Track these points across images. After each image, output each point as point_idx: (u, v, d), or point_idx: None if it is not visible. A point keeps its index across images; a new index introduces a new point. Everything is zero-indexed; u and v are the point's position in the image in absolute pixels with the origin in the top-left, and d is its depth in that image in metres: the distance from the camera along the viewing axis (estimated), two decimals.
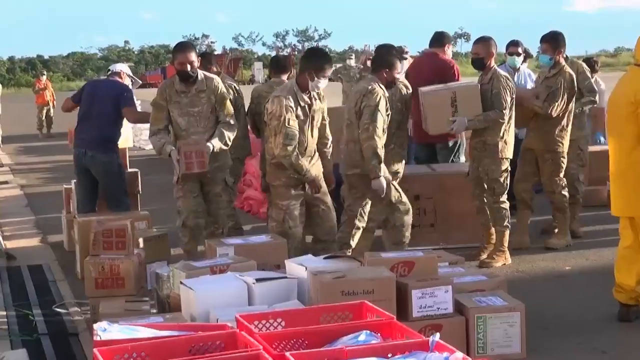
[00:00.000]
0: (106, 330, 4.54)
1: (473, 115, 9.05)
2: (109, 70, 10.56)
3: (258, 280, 5.64)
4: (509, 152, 9.22)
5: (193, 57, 8.56)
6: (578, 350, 6.58)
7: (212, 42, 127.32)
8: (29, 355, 6.52)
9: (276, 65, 10.80)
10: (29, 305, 8.27)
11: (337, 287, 5.75)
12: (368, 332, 4.29)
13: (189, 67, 8.50)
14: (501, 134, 9.10)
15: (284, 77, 10.45)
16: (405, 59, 12.90)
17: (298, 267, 6.06)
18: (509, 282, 7.05)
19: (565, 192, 9.92)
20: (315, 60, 8.14)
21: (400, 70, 12.57)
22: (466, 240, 9.79)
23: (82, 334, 7.31)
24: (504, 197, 9.24)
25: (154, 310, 6.77)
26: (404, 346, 4.03)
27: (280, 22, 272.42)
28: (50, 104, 29.15)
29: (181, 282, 5.89)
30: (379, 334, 4.32)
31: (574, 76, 9.85)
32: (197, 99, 8.58)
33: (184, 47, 8.70)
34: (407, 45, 13.52)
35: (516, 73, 11.64)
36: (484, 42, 9.35)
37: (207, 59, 10.37)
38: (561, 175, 9.91)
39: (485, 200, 9.35)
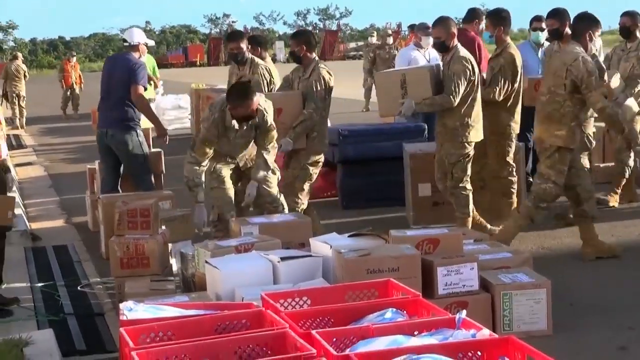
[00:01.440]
0: (132, 310, 4.56)
1: (421, 99, 8.75)
2: (125, 41, 10.31)
3: (283, 258, 5.64)
4: (472, 136, 8.84)
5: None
6: (604, 326, 6.55)
7: (233, 22, 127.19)
8: (55, 335, 6.54)
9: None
10: (55, 286, 8.30)
11: (363, 265, 5.75)
12: (394, 309, 4.29)
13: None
14: (461, 117, 8.76)
15: None
16: (430, 33, 12.86)
17: (323, 246, 6.05)
18: (534, 259, 7.02)
19: (513, 177, 9.60)
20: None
21: (427, 46, 12.56)
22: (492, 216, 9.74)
23: (108, 313, 7.34)
24: (465, 183, 8.91)
25: (179, 290, 6.79)
26: (430, 323, 4.02)
27: (301, 1, 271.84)
28: (77, 86, 29.18)
29: (206, 262, 5.90)
30: (404, 312, 4.32)
31: (516, 56, 9.47)
32: (247, 132, 8.39)
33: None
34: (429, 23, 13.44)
35: (540, 48, 11.54)
36: (442, 23, 8.96)
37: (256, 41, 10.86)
38: (508, 159, 9.58)
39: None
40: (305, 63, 9.10)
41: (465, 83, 8.68)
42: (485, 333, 3.82)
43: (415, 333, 3.93)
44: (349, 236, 6.50)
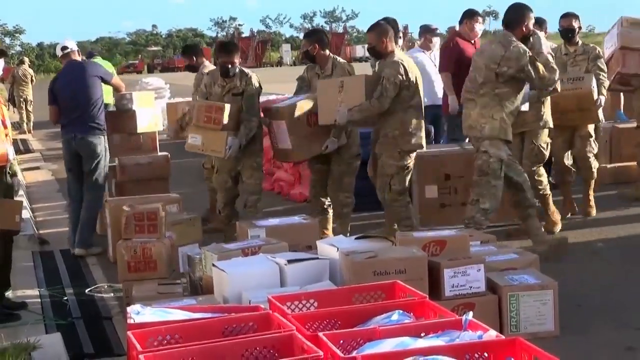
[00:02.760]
0: (140, 313, 4.56)
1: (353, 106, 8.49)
2: (66, 47, 10.19)
3: (290, 261, 5.65)
4: (409, 144, 8.61)
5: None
6: (612, 327, 6.55)
7: (239, 25, 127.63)
8: (63, 339, 6.56)
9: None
10: (63, 290, 8.32)
11: (369, 267, 5.75)
12: (401, 311, 4.29)
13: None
14: (400, 126, 8.53)
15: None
16: (437, 35, 12.86)
17: (329, 248, 6.06)
18: (541, 260, 7.02)
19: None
20: None
21: (434, 46, 12.54)
22: (498, 219, 9.74)
23: (116, 317, 7.35)
24: (403, 196, 8.73)
25: (187, 293, 6.80)
26: (437, 325, 4.03)
27: (307, 4, 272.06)
28: None
29: (213, 264, 5.91)
30: (411, 314, 4.32)
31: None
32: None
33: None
34: (436, 24, 13.43)
35: None
36: (373, 30, 8.75)
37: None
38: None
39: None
40: (321, 61, 9.16)
41: (395, 87, 8.40)
42: (492, 334, 3.82)
43: (422, 335, 3.93)
44: (355, 238, 6.51)
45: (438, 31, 13.14)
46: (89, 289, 8.23)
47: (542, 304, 6.26)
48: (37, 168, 17.65)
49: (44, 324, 7.28)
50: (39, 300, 8.03)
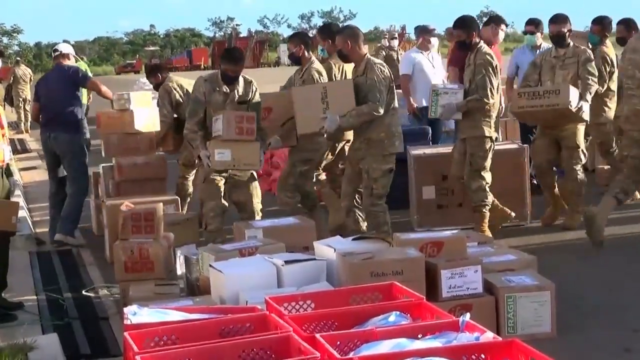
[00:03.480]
0: (136, 314, 4.56)
1: (345, 112, 8.34)
2: (57, 50, 10.88)
3: (287, 262, 5.64)
4: (398, 146, 8.58)
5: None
6: (609, 328, 6.55)
7: (237, 25, 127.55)
8: (60, 339, 6.55)
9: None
10: (59, 290, 8.31)
11: (366, 268, 5.75)
12: (398, 313, 4.29)
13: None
14: (386, 128, 8.46)
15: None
16: (435, 35, 12.88)
17: (327, 249, 6.06)
18: (538, 261, 7.01)
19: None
20: None
21: (432, 46, 12.57)
22: None
23: (113, 318, 7.35)
24: (382, 200, 8.60)
25: (183, 294, 6.79)
26: (434, 326, 4.03)
27: (305, 4, 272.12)
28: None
29: (210, 265, 5.90)
30: (408, 315, 4.32)
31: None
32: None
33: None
34: (434, 25, 13.46)
35: (538, 50, 11.54)
36: (339, 34, 8.75)
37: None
38: None
39: (358, 202, 8.78)
40: (304, 63, 9.20)
41: (386, 90, 8.40)
42: (489, 336, 3.82)
43: (419, 336, 3.93)
44: (353, 239, 6.50)
45: (435, 31, 13.16)
46: (85, 290, 8.23)
47: (540, 305, 6.26)
48: (34, 168, 17.62)
49: (40, 324, 7.27)
50: (36, 300, 8.02)
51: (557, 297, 6.33)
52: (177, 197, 9.55)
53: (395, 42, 16.30)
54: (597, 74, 9.63)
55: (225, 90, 8.81)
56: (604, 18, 11.44)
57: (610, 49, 11.03)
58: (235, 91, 8.85)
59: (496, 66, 9.10)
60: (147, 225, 7.51)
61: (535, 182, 10.81)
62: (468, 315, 3.98)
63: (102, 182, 10.37)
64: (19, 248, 9.67)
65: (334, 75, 9.53)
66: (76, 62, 11.12)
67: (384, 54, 15.09)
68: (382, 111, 8.32)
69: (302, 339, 3.88)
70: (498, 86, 9.20)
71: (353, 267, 5.74)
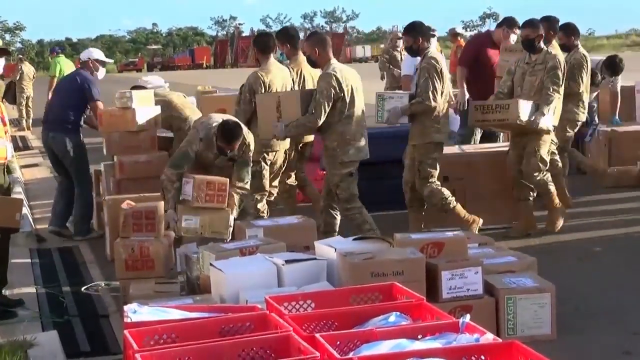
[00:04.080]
0: (136, 312, 4.57)
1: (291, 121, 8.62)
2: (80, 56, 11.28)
3: (287, 261, 5.64)
4: (353, 155, 8.62)
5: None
6: (609, 331, 6.54)
7: (239, 24, 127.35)
8: (59, 336, 6.55)
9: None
10: (60, 287, 8.31)
11: (367, 269, 5.75)
12: (398, 313, 4.29)
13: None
14: (339, 137, 8.54)
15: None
16: (434, 36, 12.88)
17: (327, 249, 6.06)
18: (539, 263, 7.01)
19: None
20: None
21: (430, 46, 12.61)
22: (496, 221, 9.75)
23: (113, 315, 7.35)
24: (353, 202, 8.68)
25: (184, 292, 6.79)
26: (434, 327, 4.03)
27: (307, 4, 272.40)
28: None
29: (211, 264, 5.91)
30: (408, 315, 4.32)
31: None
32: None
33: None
34: (437, 26, 13.47)
35: None
36: (307, 41, 8.90)
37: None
38: None
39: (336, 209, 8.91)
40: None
41: (329, 100, 8.43)
42: (489, 337, 3.82)
43: (419, 337, 3.94)
44: (353, 239, 6.50)
45: (435, 33, 13.15)
46: (84, 287, 8.22)
47: (540, 307, 6.26)
48: (36, 165, 17.62)
49: (40, 321, 7.27)
50: (36, 297, 8.02)
51: (557, 299, 6.33)
52: None
53: (400, 43, 16.28)
54: (560, 82, 9.34)
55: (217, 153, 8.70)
56: (550, 18, 11.02)
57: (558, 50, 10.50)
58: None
59: (441, 70, 9.03)
60: (148, 223, 7.52)
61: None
62: (468, 316, 3.98)
63: (103, 180, 10.38)
64: (19, 245, 9.67)
65: (292, 79, 9.60)
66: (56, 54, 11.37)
67: (387, 56, 15.09)
68: (319, 122, 8.46)
69: (302, 338, 3.88)
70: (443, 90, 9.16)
71: (353, 267, 5.74)
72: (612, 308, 7.08)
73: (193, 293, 6.50)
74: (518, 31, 11.13)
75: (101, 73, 10.90)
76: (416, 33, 9.21)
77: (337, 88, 8.45)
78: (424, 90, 8.93)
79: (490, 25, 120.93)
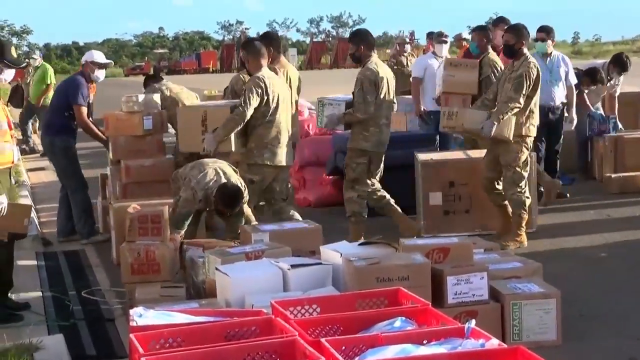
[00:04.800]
0: (142, 316, 4.57)
1: None
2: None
3: (293, 266, 5.64)
4: (268, 159, 8.80)
5: None
6: (614, 336, 6.54)
7: (246, 29, 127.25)
8: (65, 340, 6.57)
9: None
10: (66, 291, 8.32)
11: (372, 274, 5.75)
12: (403, 318, 4.29)
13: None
14: (257, 139, 8.78)
15: None
16: (446, 42, 12.91)
17: (333, 254, 6.06)
18: (544, 269, 7.01)
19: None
20: None
21: (442, 53, 12.65)
22: (495, 226, 9.74)
23: (119, 319, 7.36)
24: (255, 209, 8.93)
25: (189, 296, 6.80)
26: (440, 333, 4.03)
27: (314, 8, 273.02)
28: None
29: (216, 268, 5.90)
30: (414, 321, 4.32)
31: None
32: None
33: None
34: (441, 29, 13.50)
35: (548, 58, 11.55)
36: (243, 48, 9.21)
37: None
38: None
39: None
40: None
41: (256, 99, 8.65)
42: (494, 343, 3.82)
43: (424, 342, 3.93)
44: (359, 244, 6.50)
45: (447, 39, 13.17)
46: (86, 291, 8.22)
47: (545, 312, 6.26)
48: (42, 169, 17.63)
49: (46, 325, 7.29)
50: (42, 301, 8.03)
51: (563, 304, 6.33)
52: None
53: (408, 47, 16.30)
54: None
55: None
56: (485, 26, 11.25)
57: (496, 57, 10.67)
58: None
59: (375, 82, 9.14)
60: (154, 227, 7.54)
61: (542, 189, 10.83)
62: (473, 321, 3.98)
63: (109, 184, 10.40)
64: (25, 248, 9.69)
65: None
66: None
67: (395, 60, 15.10)
68: (245, 117, 8.64)
69: (307, 343, 3.88)
70: (381, 99, 9.26)
71: (359, 272, 5.74)
72: (616, 313, 7.08)
73: (198, 297, 6.51)
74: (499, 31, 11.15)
75: (100, 75, 10.84)
76: (359, 40, 9.39)
77: (264, 91, 8.68)
78: (356, 101, 9.18)
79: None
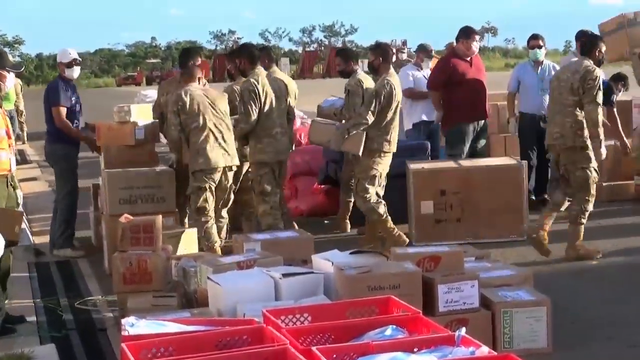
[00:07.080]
0: (134, 326, 4.58)
1: None
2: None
3: (285, 275, 5.66)
4: (202, 164, 9.00)
5: None
6: (606, 344, 6.56)
7: (238, 38, 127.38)
8: (57, 350, 6.56)
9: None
10: (58, 301, 8.32)
11: (363, 282, 5.77)
12: (394, 326, 4.30)
13: None
14: (192, 145, 9.07)
15: None
16: (431, 57, 12.91)
17: (324, 262, 6.08)
18: (535, 277, 7.04)
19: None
20: None
21: (426, 67, 12.65)
22: (493, 235, 9.78)
23: (110, 329, 7.36)
24: (202, 214, 8.99)
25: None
26: (430, 341, 4.04)
27: (306, 18, 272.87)
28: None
29: (208, 277, 5.92)
30: (405, 329, 4.33)
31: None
32: None
33: None
34: (435, 40, 13.56)
35: (540, 66, 11.59)
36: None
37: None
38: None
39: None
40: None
41: (175, 116, 9.04)
42: (484, 350, 3.84)
43: (415, 350, 3.95)
44: (350, 253, 6.51)
45: (433, 52, 13.18)
46: (79, 302, 8.22)
47: (536, 320, 6.28)
48: (34, 179, 17.62)
49: (38, 335, 7.28)
50: (34, 311, 8.02)
51: (553, 312, 6.35)
52: (176, 209, 9.52)
53: (404, 55, 16.31)
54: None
55: None
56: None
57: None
58: None
59: (256, 93, 9.38)
60: (146, 237, 7.54)
61: (533, 197, 10.85)
62: (464, 329, 3.99)
63: (101, 194, 10.39)
64: (18, 258, 9.65)
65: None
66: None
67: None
68: (172, 135, 9.21)
69: (298, 351, 3.89)
70: (270, 108, 9.49)
71: (350, 280, 5.76)
72: (608, 321, 7.10)
73: (190, 306, 6.51)
74: (477, 37, 11.29)
75: (75, 72, 10.74)
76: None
77: (180, 103, 9.01)
78: (238, 114, 9.55)
79: (489, 40, 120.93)
